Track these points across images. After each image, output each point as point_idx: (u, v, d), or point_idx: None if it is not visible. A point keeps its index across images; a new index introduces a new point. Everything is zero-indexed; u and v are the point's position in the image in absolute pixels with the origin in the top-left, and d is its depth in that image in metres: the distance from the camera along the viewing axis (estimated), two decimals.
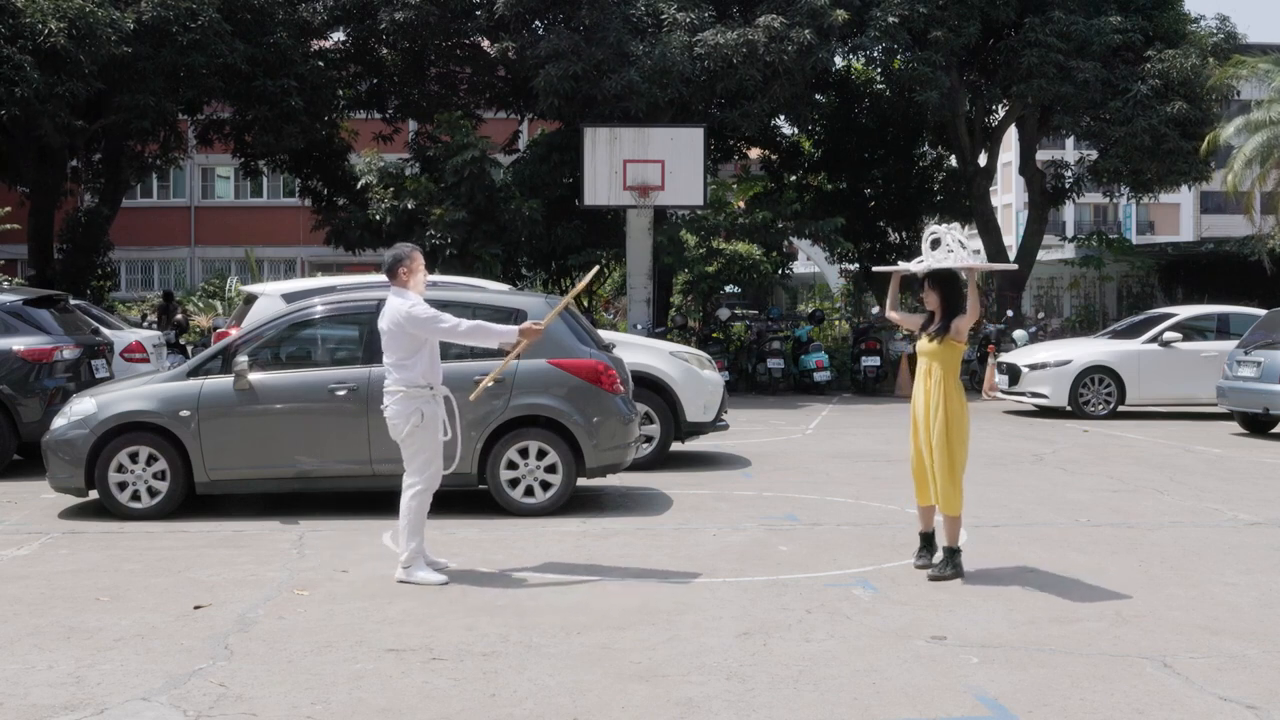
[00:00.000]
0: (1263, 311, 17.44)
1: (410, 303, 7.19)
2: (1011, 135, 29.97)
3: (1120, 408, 17.45)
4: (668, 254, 22.50)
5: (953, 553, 7.27)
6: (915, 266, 7.39)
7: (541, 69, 21.30)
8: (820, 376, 21.36)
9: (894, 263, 9.07)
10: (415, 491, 7.25)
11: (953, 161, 28.24)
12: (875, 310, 25.82)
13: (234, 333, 10.92)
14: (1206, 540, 8.52)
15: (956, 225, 7.49)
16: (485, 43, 24.45)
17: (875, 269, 9.13)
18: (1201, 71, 23.06)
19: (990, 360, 20.66)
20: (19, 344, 11.94)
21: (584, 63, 21.09)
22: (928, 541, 7.47)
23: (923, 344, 7.41)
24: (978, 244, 30.08)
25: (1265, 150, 24.08)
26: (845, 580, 7.21)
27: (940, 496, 7.23)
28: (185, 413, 9.14)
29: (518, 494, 9.38)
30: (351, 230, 23.59)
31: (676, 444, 12.38)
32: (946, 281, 7.38)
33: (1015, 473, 11.89)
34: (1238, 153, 24.05)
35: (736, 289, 25.40)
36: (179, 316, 24.80)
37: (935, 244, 7.39)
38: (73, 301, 14.69)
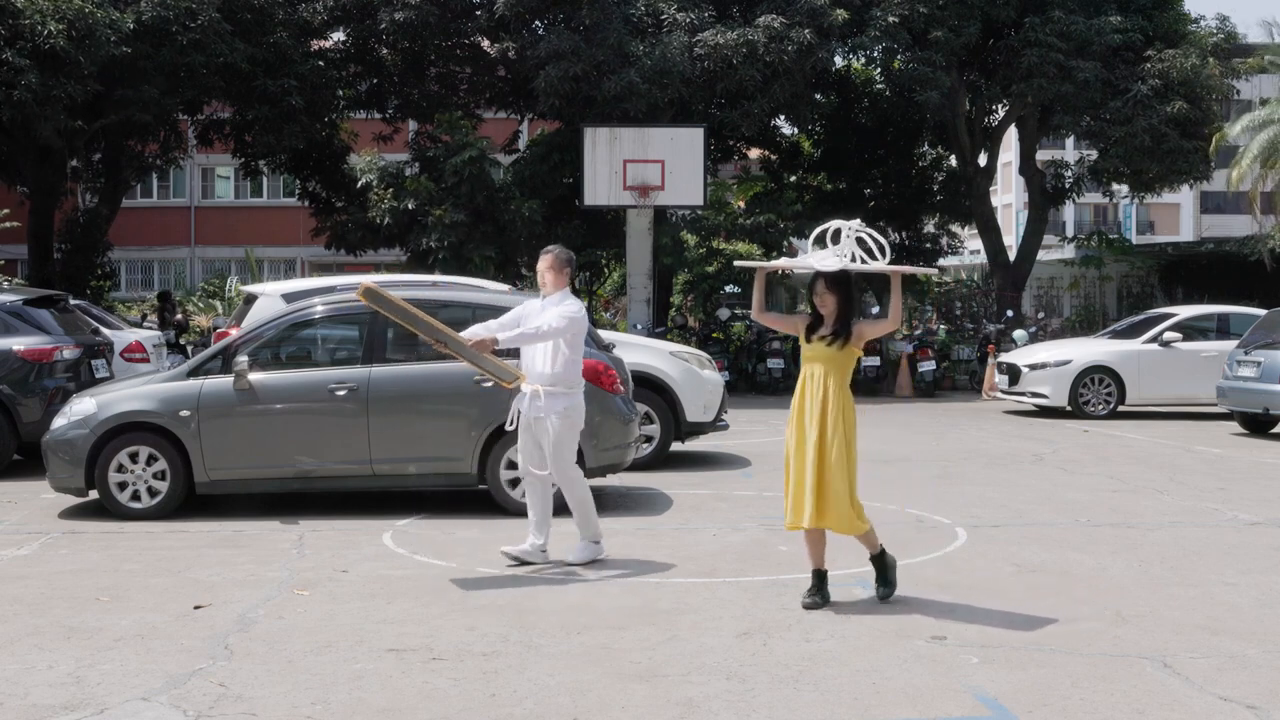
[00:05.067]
0: (1263, 311, 17.43)
1: None
2: (1011, 135, 29.95)
3: (1120, 408, 17.44)
4: (668, 254, 22.49)
5: (882, 558, 6.78)
6: (819, 264, 6.54)
7: (542, 69, 21.30)
8: None
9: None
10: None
11: (953, 161, 28.22)
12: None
13: (234, 333, 10.93)
14: (1206, 540, 8.52)
15: (858, 221, 6.65)
16: (485, 43, 24.46)
17: (738, 264, 8.24)
18: (1201, 71, 23.06)
19: (990, 360, 20.67)
20: (19, 344, 11.94)
21: (584, 63, 21.08)
22: (822, 580, 6.71)
23: (817, 348, 6.67)
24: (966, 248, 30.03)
25: (1269, 149, 24.07)
26: (845, 580, 7.19)
27: (845, 520, 6.58)
28: (185, 413, 9.14)
29: (518, 494, 9.34)
30: (352, 233, 23.59)
31: (676, 444, 12.37)
32: (844, 282, 6.64)
33: (1015, 473, 11.89)
34: (1244, 151, 24.04)
35: (736, 289, 25.38)
36: (178, 316, 24.76)
37: (835, 237, 6.57)
38: (73, 301, 14.69)
